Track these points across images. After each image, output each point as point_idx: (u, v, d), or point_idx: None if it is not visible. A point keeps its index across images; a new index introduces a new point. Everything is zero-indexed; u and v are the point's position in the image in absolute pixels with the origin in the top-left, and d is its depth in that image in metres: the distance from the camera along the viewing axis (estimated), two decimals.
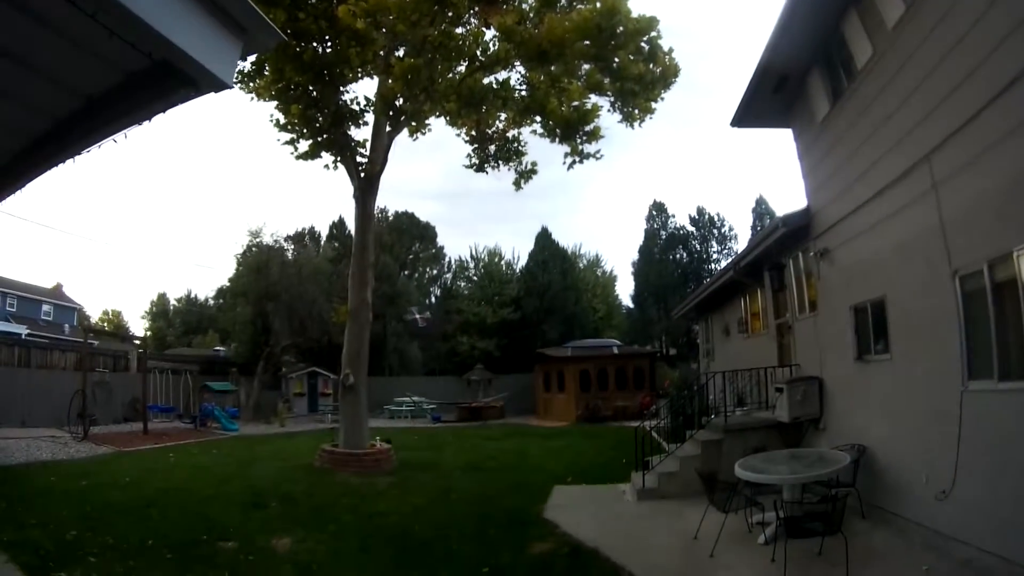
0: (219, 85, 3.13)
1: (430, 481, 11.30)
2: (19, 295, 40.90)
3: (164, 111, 3.52)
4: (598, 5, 12.76)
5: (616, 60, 13.32)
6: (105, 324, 53.45)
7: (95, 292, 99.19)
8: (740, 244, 39.74)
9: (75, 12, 2.65)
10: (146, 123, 3.66)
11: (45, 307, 43.44)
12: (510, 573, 6.03)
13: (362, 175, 13.97)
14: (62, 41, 3.09)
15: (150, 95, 3.40)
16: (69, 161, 4.28)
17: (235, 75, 3.23)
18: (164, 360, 30.27)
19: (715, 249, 42.38)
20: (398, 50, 13.46)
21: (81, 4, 2.61)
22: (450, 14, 12.20)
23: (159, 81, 3.19)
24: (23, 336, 32.64)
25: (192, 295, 55.53)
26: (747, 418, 10.77)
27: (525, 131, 15.14)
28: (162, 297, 56.43)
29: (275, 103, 13.05)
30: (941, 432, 5.94)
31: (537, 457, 14.55)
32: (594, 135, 14.57)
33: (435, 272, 45.34)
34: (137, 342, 34.12)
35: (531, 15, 13.66)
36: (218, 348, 41.65)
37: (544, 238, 41.70)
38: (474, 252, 44.49)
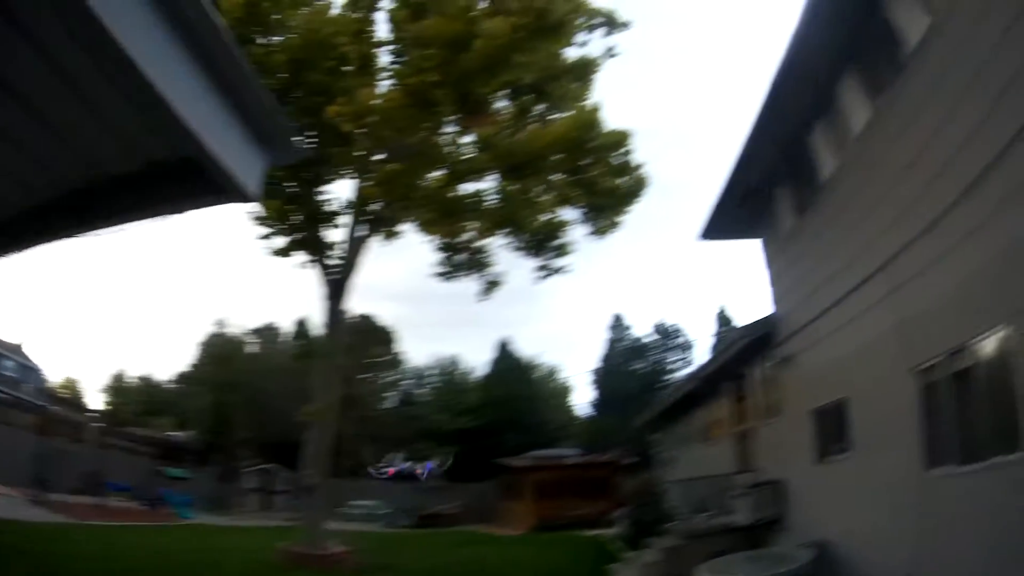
0: (245, 196, 3.20)
1: None
2: None
3: (191, 209, 3.65)
4: (572, 118, 13.15)
5: (589, 174, 13.61)
6: (66, 392, 50.76)
7: (54, 357, 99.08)
8: (700, 353, 41.37)
9: (118, 96, 2.74)
10: (171, 217, 3.73)
11: (8, 362, 37.47)
12: None
13: (333, 278, 13.50)
14: (98, 119, 3.12)
15: (177, 191, 3.45)
16: (87, 234, 4.19)
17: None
18: (122, 439, 30.78)
19: (674, 359, 43.74)
20: (379, 154, 13.19)
21: (126, 91, 2.69)
22: (430, 124, 12.25)
23: (185, 179, 3.24)
24: None
25: (150, 377, 54.10)
26: (709, 523, 10.76)
27: (494, 242, 14.94)
28: (121, 374, 54.98)
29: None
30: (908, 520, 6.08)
31: (498, 564, 13.71)
32: (563, 250, 14.74)
33: (393, 377, 45.28)
34: (95, 414, 34.24)
35: (507, 127, 13.70)
36: (174, 433, 40.70)
37: (504, 348, 42.48)
38: (434, 360, 45.51)
